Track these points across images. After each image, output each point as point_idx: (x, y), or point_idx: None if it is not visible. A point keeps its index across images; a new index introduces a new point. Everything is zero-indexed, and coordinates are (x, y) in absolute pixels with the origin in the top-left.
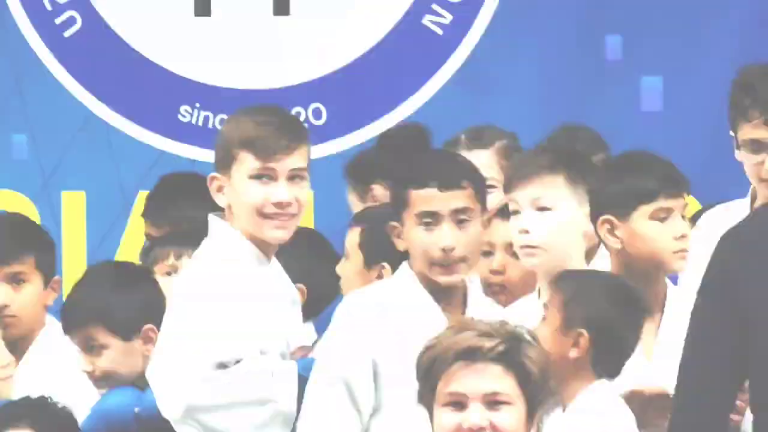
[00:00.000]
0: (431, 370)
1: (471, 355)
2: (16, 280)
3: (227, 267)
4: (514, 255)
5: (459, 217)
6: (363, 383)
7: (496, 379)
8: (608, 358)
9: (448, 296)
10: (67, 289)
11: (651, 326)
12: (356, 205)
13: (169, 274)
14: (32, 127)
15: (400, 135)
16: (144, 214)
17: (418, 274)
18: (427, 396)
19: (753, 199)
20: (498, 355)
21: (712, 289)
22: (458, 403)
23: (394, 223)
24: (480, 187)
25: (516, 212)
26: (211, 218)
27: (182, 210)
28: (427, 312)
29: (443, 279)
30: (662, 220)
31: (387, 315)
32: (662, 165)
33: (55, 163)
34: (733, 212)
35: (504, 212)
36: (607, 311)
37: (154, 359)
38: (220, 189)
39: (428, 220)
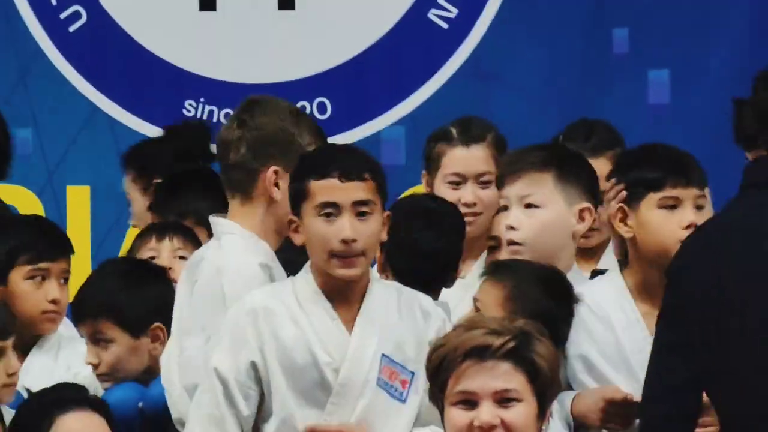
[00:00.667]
0: (441, 368)
1: (481, 353)
2: (64, 277)
3: (248, 263)
4: None
5: (360, 210)
6: (240, 385)
7: (507, 376)
8: None
9: (345, 292)
10: (72, 284)
11: None
12: (136, 198)
13: (153, 258)
14: (37, 122)
15: (185, 132)
16: (152, 207)
17: (316, 270)
18: (437, 394)
19: None
20: (508, 353)
21: (673, 281)
22: (469, 401)
23: (293, 217)
24: (381, 181)
25: (506, 208)
26: (217, 220)
27: (189, 203)
28: (317, 310)
29: (341, 272)
30: (670, 208)
31: (272, 317)
32: (673, 155)
33: (59, 158)
34: None
35: None
36: (544, 305)
37: (182, 362)
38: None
39: (329, 210)
